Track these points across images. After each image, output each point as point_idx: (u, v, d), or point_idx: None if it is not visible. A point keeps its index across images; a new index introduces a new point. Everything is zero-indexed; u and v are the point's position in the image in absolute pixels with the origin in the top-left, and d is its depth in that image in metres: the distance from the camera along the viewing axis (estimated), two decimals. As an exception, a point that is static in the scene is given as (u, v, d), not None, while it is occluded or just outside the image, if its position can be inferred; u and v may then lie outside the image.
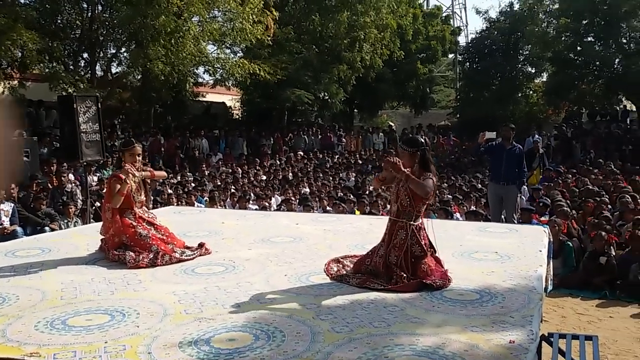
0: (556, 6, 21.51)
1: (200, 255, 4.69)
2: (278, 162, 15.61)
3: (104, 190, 5.56)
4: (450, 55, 30.08)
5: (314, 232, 5.76)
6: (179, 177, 12.44)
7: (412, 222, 3.86)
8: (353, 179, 13.29)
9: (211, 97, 22.50)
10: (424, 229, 3.93)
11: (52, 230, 7.57)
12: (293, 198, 9.88)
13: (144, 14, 13.34)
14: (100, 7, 15.53)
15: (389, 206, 9.27)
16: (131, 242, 4.58)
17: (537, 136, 15.48)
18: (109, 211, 4.65)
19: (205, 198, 10.33)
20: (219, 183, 11.81)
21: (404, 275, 3.72)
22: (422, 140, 3.96)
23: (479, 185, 11.81)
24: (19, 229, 7.65)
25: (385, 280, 3.76)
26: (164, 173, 5.66)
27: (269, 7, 15.93)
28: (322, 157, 16.60)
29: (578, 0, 19.40)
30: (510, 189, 7.91)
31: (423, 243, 3.86)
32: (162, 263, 4.41)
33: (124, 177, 4.57)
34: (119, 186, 4.58)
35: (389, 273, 3.79)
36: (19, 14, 12.99)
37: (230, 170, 13.68)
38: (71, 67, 15.22)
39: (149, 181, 4.92)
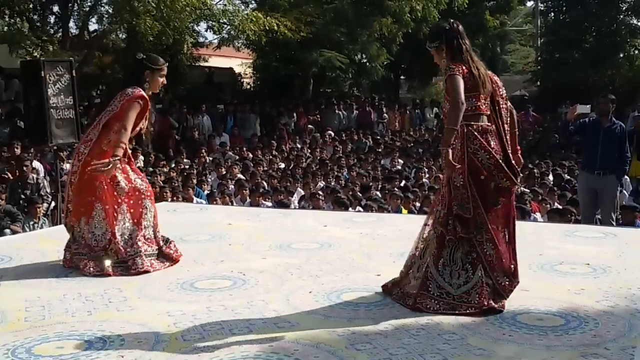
0: None
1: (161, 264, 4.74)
2: (301, 146, 15.61)
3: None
4: (530, 3, 29.62)
5: (348, 236, 5.78)
6: (173, 165, 12.58)
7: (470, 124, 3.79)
8: (399, 167, 13.25)
9: (215, 62, 22.61)
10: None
11: (14, 233, 7.72)
12: (320, 192, 9.92)
13: (128, -46, 13.43)
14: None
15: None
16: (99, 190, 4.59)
17: (644, 111, 15.20)
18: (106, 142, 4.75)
19: (207, 192, 10.43)
20: (225, 172, 11.91)
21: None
22: (446, 26, 3.84)
23: (566, 175, 11.68)
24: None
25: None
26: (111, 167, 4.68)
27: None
28: (359, 139, 16.57)
29: None
30: (608, 181, 7.79)
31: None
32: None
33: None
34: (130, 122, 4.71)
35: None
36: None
37: (238, 157, 13.77)
38: (38, 24, 15.44)
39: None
